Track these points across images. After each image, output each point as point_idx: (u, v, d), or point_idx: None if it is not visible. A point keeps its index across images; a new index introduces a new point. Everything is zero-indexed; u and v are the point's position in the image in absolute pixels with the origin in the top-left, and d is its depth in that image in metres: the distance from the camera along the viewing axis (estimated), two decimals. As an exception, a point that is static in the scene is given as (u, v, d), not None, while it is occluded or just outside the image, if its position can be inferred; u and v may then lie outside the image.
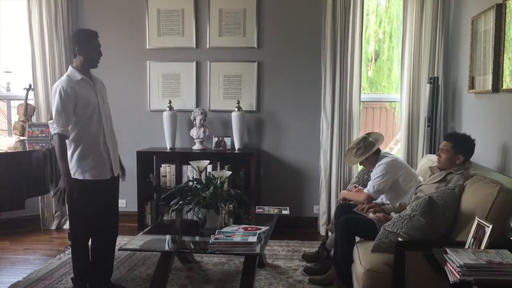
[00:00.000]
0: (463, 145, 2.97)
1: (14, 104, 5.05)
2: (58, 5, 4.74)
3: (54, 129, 2.88)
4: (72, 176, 2.93)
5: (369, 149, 3.54)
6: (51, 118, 2.91)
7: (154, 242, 3.29)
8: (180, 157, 4.70)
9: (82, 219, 3.06)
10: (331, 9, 4.46)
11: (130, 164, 4.73)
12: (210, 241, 2.83)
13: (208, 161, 3.70)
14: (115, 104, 4.95)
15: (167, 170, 4.74)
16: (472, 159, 3.12)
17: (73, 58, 3.05)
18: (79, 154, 2.98)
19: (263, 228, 3.08)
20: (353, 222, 3.14)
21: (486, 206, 2.42)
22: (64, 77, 2.97)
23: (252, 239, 2.83)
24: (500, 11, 3.11)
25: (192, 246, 3.26)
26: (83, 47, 2.96)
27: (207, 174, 3.73)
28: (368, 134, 3.70)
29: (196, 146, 4.76)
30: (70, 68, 3.03)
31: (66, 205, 3.07)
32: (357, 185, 3.78)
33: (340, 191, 4.37)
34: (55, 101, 2.89)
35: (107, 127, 3.10)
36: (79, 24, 4.88)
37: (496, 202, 2.41)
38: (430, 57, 4.39)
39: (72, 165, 2.97)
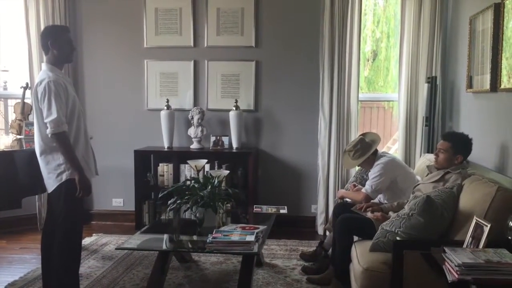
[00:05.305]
0: (462, 145, 2.96)
1: (11, 103, 5.03)
2: (56, 3, 4.72)
3: (58, 128, 2.71)
4: (65, 179, 2.79)
5: (366, 151, 3.52)
6: (47, 116, 2.72)
7: (152, 241, 3.28)
8: (178, 156, 4.70)
9: (78, 224, 2.95)
10: (329, 8, 4.46)
11: (128, 163, 4.76)
12: (207, 240, 2.81)
13: (206, 160, 3.69)
14: (113, 102, 4.99)
15: (164, 169, 4.73)
16: (470, 158, 3.12)
17: (45, 55, 2.89)
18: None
19: (261, 227, 3.07)
20: (351, 221, 3.13)
21: (484, 205, 2.42)
22: (50, 73, 2.78)
23: (250, 238, 2.82)
24: (498, 10, 3.10)
25: (190, 245, 3.25)
26: (56, 40, 2.83)
27: (205, 173, 3.72)
28: (364, 135, 3.67)
29: (194, 145, 4.74)
30: (46, 65, 2.85)
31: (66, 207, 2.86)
32: (356, 184, 3.76)
33: (338, 190, 4.37)
34: (51, 98, 2.71)
35: (85, 125, 3.00)
36: (77, 23, 4.88)
37: (494, 201, 2.41)
38: (428, 57, 4.39)
39: (64, 164, 2.80)
